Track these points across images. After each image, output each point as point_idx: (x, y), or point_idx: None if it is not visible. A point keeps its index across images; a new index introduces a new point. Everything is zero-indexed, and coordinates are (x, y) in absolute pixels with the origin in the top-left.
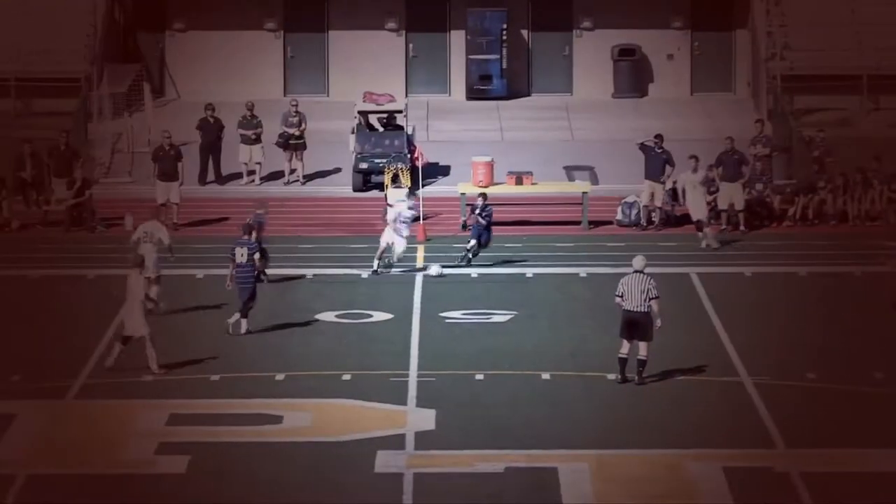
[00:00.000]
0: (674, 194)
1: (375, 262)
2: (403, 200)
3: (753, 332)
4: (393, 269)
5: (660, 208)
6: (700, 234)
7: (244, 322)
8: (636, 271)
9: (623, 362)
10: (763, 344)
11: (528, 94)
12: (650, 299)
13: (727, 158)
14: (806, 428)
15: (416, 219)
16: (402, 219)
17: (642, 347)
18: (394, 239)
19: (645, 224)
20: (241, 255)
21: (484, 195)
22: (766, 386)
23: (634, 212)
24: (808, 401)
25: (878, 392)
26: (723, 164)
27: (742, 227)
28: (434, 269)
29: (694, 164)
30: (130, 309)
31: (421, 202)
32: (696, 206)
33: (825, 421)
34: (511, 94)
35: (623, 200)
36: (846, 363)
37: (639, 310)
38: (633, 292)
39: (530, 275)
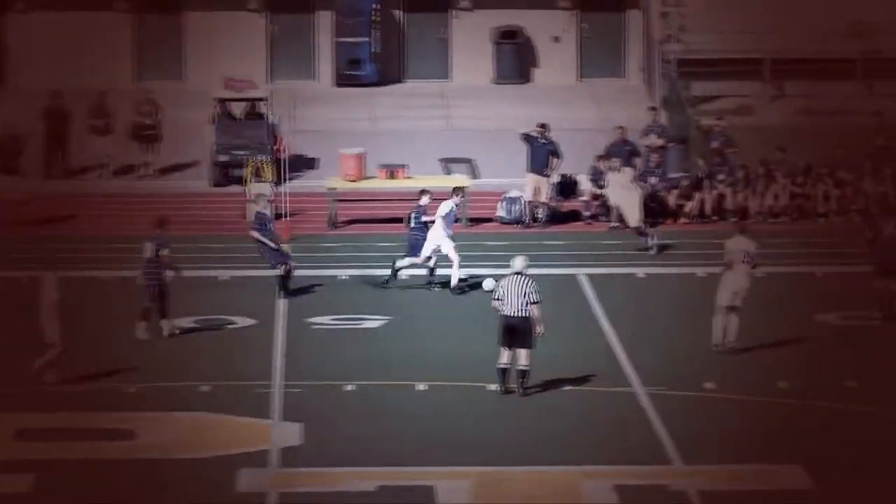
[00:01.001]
0: (562, 188)
1: (400, 265)
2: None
3: (647, 339)
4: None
5: (545, 204)
6: (642, 240)
7: (165, 324)
8: (516, 273)
9: (503, 372)
10: (657, 351)
11: (402, 80)
12: (530, 304)
13: (618, 150)
14: (704, 442)
15: (279, 216)
16: (447, 216)
17: (523, 356)
18: (440, 241)
19: (529, 221)
20: (149, 250)
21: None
22: (661, 397)
23: (517, 208)
24: (706, 413)
25: (782, 403)
26: (613, 157)
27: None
28: (488, 284)
29: (616, 163)
30: (46, 313)
31: (287, 198)
32: (630, 210)
33: (725, 434)
34: (383, 79)
35: (505, 196)
36: (747, 372)
37: (518, 315)
38: (512, 296)
39: (405, 276)
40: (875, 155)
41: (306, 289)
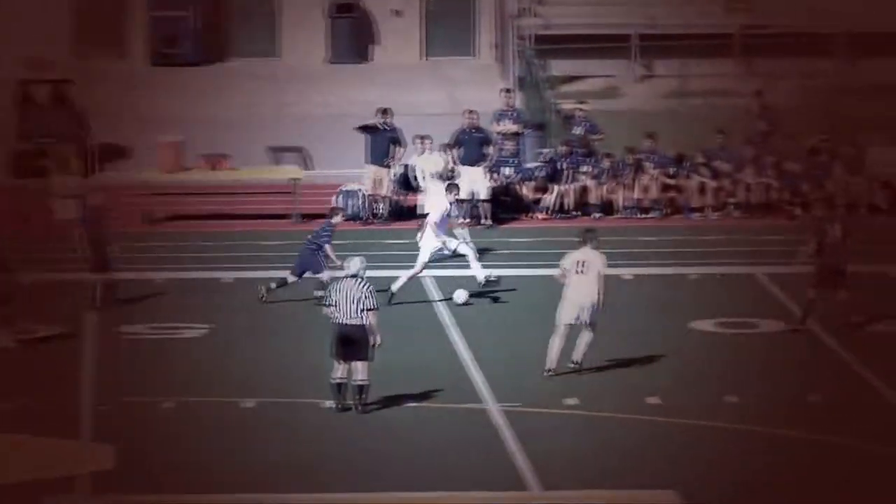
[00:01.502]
0: (405, 181)
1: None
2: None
3: (501, 349)
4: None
5: (386, 198)
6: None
7: None
8: (351, 276)
9: (338, 387)
10: (513, 363)
11: (226, 60)
12: (366, 310)
13: (468, 137)
14: (564, 465)
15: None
16: (441, 222)
17: (360, 369)
18: (437, 245)
19: (368, 217)
20: None
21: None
22: (517, 414)
23: (355, 202)
24: (567, 432)
25: (652, 420)
26: (462, 145)
27: (486, 221)
28: (459, 296)
29: (421, 146)
30: None
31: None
32: (434, 202)
33: (588, 456)
34: (205, 58)
35: (342, 189)
36: (613, 386)
37: (353, 323)
38: (346, 301)
39: (229, 279)
40: (756, 142)
41: (120, 294)
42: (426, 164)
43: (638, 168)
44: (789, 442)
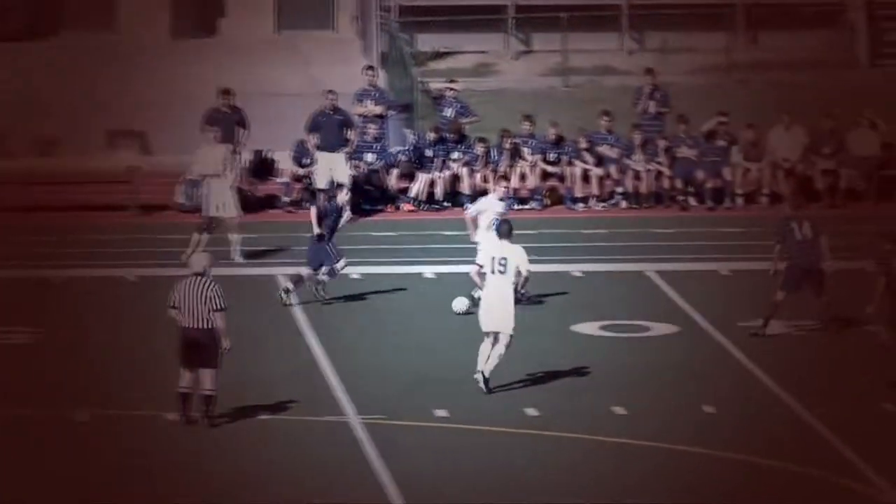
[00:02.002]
0: (259, 168)
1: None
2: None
3: (364, 356)
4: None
5: (234, 187)
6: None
7: None
8: (195, 274)
9: (184, 397)
10: (378, 372)
11: (57, 33)
12: (213, 311)
13: (326, 120)
14: (432, 483)
15: None
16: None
17: (207, 377)
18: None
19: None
20: None
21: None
22: (382, 428)
23: (201, 192)
24: (435, 447)
25: (529, 434)
26: (320, 129)
27: (348, 213)
28: (459, 304)
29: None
30: None
31: None
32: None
33: (458, 473)
34: (31, 32)
35: (185, 177)
36: (488, 396)
37: (199, 326)
38: (192, 303)
39: (61, 278)
40: (646, 125)
41: None
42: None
43: (515, 154)
44: (681, 457)
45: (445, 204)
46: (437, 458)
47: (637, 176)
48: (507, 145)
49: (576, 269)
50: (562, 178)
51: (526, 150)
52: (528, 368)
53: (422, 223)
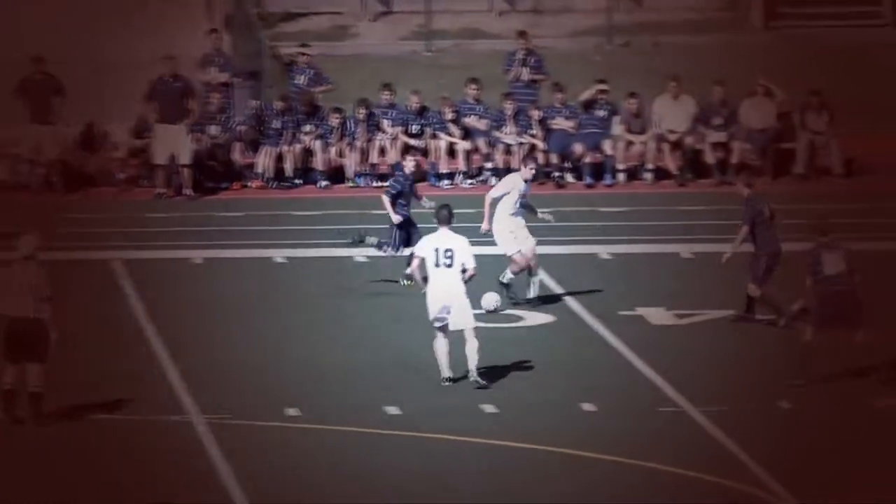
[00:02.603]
0: (84, 141)
1: (508, 276)
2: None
3: (207, 349)
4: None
5: (58, 162)
6: None
7: None
8: (24, 258)
9: (8, 395)
10: (223, 366)
11: None
12: (39, 300)
13: (165, 89)
14: (279, 486)
15: None
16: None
17: (34, 372)
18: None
19: (40, 185)
20: None
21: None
22: (227, 427)
23: (20, 167)
24: (284, 447)
25: (387, 435)
26: (159, 98)
27: (188, 191)
28: (489, 301)
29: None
30: None
31: None
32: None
33: (308, 476)
34: None
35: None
36: (344, 393)
37: (25, 316)
38: (17, 290)
39: None
40: (518, 94)
41: None
42: None
43: (373, 126)
44: (556, 459)
45: (297, 181)
46: (283, 459)
47: (508, 150)
48: (364, 116)
49: None
50: (425, 153)
51: (385, 122)
52: (386, 364)
53: (270, 202)
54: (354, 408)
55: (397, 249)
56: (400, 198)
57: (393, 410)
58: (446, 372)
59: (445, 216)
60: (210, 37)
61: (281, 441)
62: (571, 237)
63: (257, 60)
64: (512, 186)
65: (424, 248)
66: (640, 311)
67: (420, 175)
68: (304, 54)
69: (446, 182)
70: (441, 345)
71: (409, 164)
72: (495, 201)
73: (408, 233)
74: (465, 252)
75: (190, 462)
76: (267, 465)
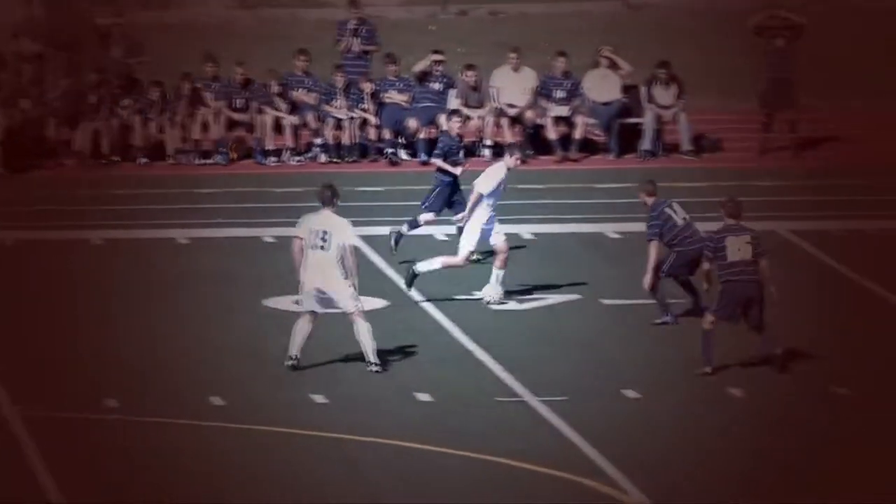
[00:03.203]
0: None
1: (427, 268)
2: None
3: (24, 339)
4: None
5: None
6: None
7: None
8: None
9: None
10: (39, 356)
11: None
12: None
13: None
14: (91, 479)
15: None
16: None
17: None
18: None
19: None
20: None
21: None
22: (37, 421)
23: None
24: (98, 441)
25: (213, 427)
26: None
27: None
28: (494, 292)
29: None
30: None
31: None
32: None
33: (124, 470)
34: None
35: None
36: (165, 382)
37: None
38: None
39: None
40: (348, 66)
41: None
42: None
43: (195, 100)
44: (390, 451)
45: (114, 158)
46: (94, 453)
47: (338, 125)
48: (185, 90)
49: (267, 233)
50: (250, 128)
51: (208, 96)
52: (212, 351)
53: (87, 181)
54: (174, 396)
55: (438, 211)
56: (448, 157)
57: (217, 401)
58: (293, 350)
59: (328, 196)
60: (23, 4)
61: (91, 434)
62: (405, 217)
63: (72, 30)
64: (499, 177)
65: (300, 228)
66: (479, 294)
67: (244, 152)
68: (119, 24)
69: (273, 159)
70: (300, 327)
71: (455, 126)
72: (482, 196)
73: (451, 196)
74: (344, 234)
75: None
76: (76, 459)
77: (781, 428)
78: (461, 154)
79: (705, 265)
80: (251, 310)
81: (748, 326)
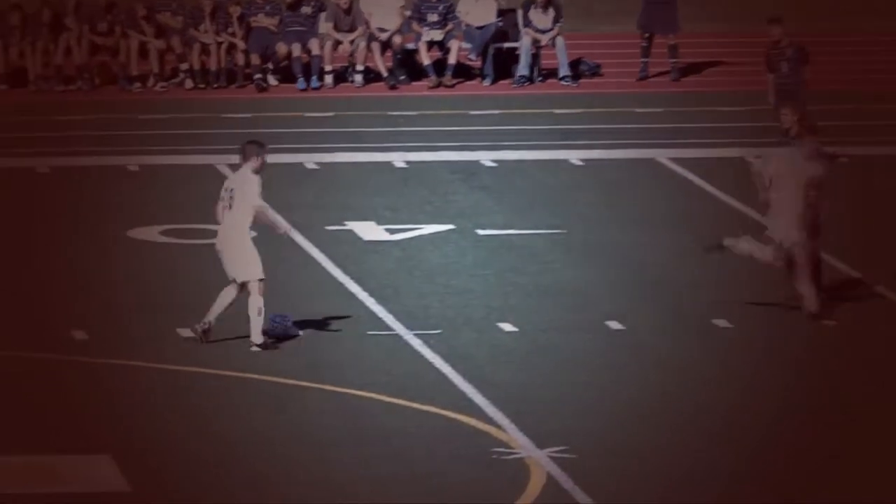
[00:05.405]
0: None
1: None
2: None
3: None
4: None
5: None
6: None
7: None
8: None
9: None
10: None
11: None
12: None
13: None
14: None
15: None
16: None
17: None
18: None
19: None
20: None
21: None
22: None
23: None
24: None
25: (76, 361)
26: None
27: None
28: None
29: None
30: None
31: None
32: None
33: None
34: None
35: None
36: (27, 317)
37: None
38: None
39: None
40: None
41: None
42: None
43: (57, 24)
44: (254, 386)
45: None
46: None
47: (205, 50)
48: (47, 15)
49: (134, 161)
50: (114, 53)
51: (71, 20)
52: (72, 284)
53: None
54: (37, 332)
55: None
56: None
57: (80, 335)
58: (207, 317)
59: (243, 150)
60: None
61: None
62: (274, 145)
63: None
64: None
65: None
66: (350, 225)
67: (108, 77)
68: None
69: (137, 85)
70: (223, 292)
71: None
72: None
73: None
74: (244, 192)
75: None
76: None
77: (658, 357)
78: None
79: None
80: (116, 240)
81: None
